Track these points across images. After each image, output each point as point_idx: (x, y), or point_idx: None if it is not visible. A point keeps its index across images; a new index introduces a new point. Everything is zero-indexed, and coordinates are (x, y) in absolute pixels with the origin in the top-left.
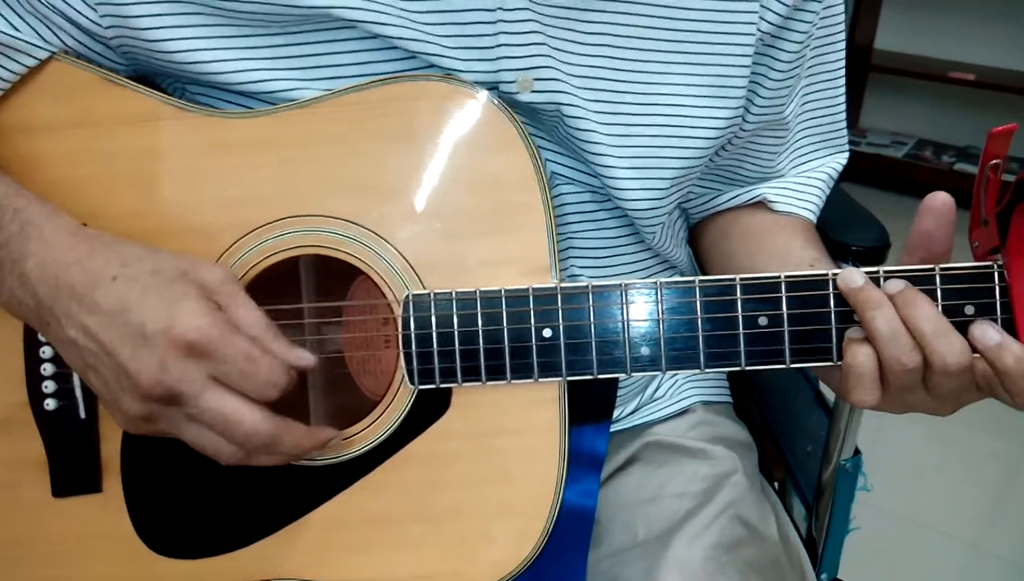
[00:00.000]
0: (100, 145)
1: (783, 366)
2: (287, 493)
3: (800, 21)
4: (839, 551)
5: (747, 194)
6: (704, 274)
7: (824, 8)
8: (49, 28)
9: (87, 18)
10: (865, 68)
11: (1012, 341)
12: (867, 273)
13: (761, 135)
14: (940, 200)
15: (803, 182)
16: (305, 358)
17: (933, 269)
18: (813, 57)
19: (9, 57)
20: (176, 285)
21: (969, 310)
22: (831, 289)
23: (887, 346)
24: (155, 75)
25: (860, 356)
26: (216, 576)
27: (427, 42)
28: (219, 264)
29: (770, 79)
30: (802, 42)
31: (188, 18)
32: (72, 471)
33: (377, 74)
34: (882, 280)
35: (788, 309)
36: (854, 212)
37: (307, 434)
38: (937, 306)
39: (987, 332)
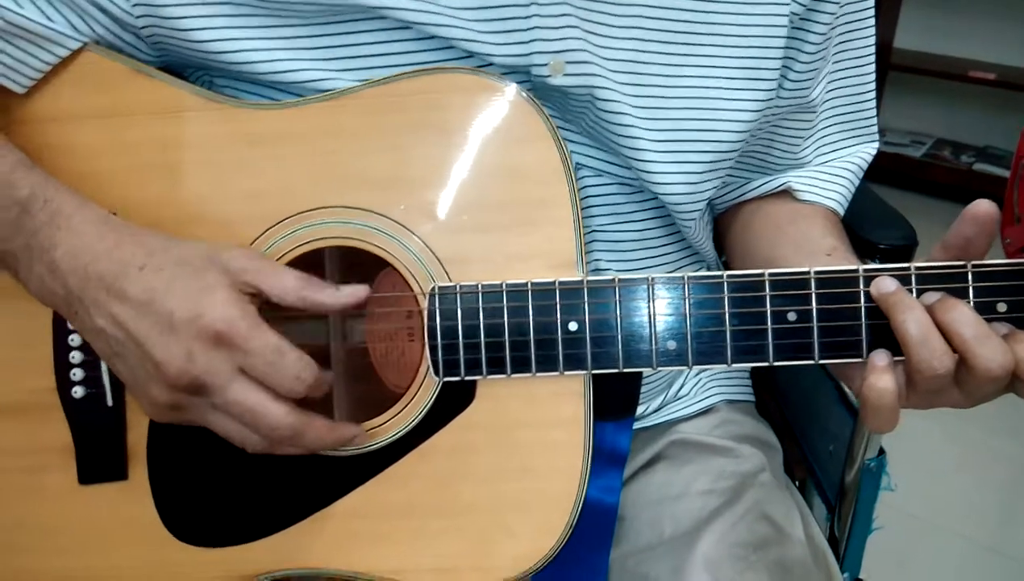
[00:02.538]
0: (129, 135)
1: (812, 362)
2: (312, 483)
3: (828, 2)
4: (862, 551)
5: (773, 182)
6: (725, 264)
7: None
8: (82, 17)
9: (120, 7)
10: (884, 67)
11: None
12: (898, 269)
13: (788, 119)
14: (984, 209)
15: (830, 172)
16: (357, 293)
17: (965, 266)
18: (839, 41)
19: (41, 47)
20: (205, 274)
21: (1001, 307)
22: (861, 285)
23: (917, 350)
24: (184, 67)
25: (880, 384)
26: (240, 564)
27: (458, 27)
28: (240, 246)
29: (799, 61)
30: (829, 23)
31: (218, 7)
32: (98, 458)
33: (406, 64)
34: (913, 277)
35: (818, 305)
36: (882, 210)
37: (330, 429)
38: (969, 303)
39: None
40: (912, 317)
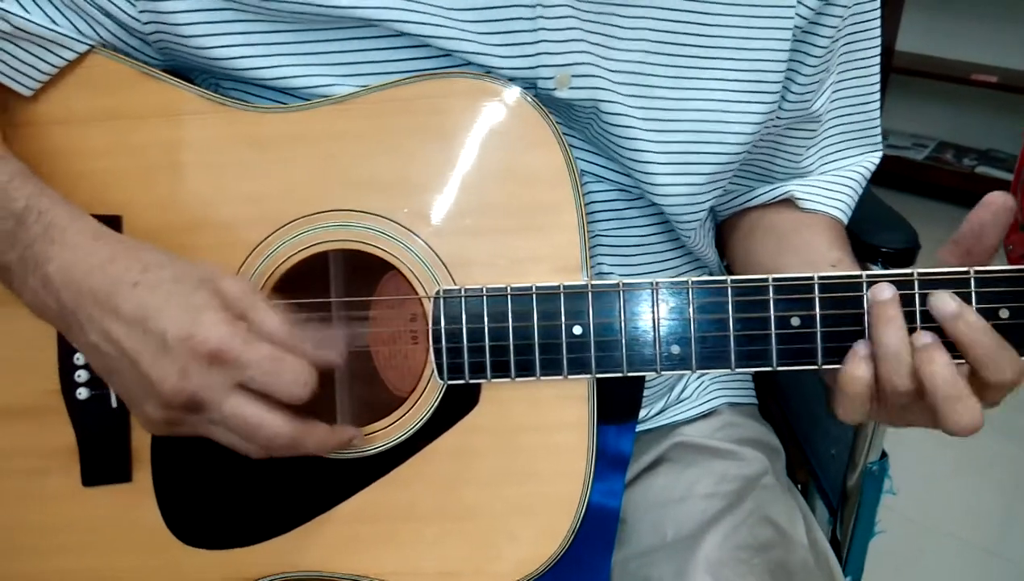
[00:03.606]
0: (135, 138)
1: (815, 367)
2: (315, 486)
3: (831, 16)
4: (864, 554)
5: (776, 191)
6: (728, 272)
7: (855, 3)
8: (87, 22)
9: (126, 13)
10: (886, 70)
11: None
12: (900, 275)
13: (792, 129)
14: (1001, 198)
15: (833, 180)
16: (330, 357)
17: (968, 272)
18: (844, 51)
19: (48, 50)
20: (198, 294)
21: (1004, 314)
22: (865, 290)
23: (885, 361)
24: (190, 70)
25: (856, 372)
26: (243, 567)
27: (465, 40)
28: (240, 276)
29: (802, 73)
30: (832, 36)
31: (224, 14)
32: (102, 460)
33: (411, 71)
34: (916, 282)
35: (821, 310)
36: (884, 214)
37: (330, 434)
38: (972, 310)
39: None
40: (891, 330)
